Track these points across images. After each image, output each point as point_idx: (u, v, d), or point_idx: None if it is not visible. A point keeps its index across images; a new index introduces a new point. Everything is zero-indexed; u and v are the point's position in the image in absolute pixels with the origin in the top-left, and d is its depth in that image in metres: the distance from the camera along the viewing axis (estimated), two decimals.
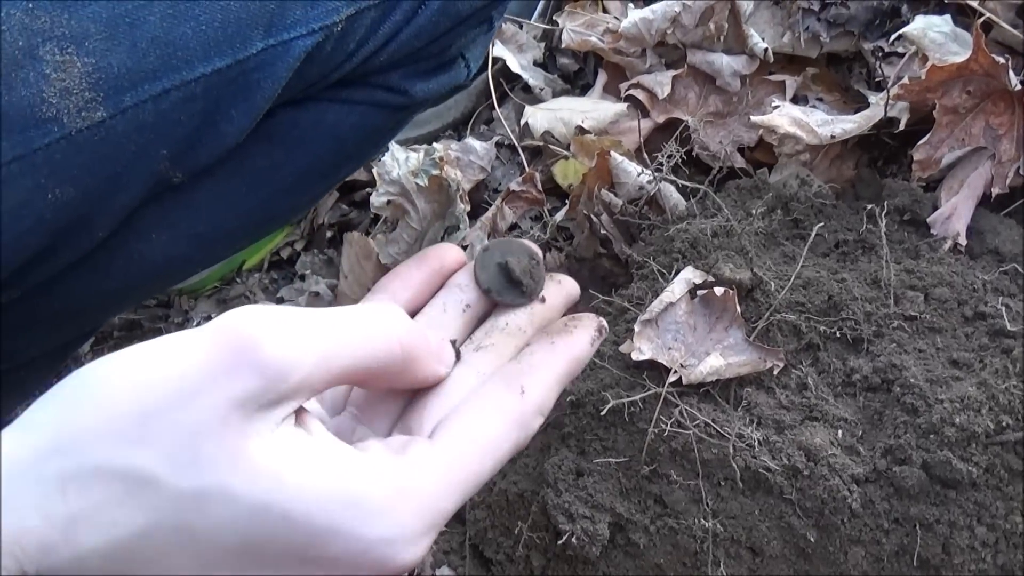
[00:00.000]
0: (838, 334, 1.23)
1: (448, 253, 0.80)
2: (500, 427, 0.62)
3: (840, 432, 1.18)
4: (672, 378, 1.19)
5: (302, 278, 1.55)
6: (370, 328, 0.56)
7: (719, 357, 1.20)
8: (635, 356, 1.20)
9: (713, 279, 1.25)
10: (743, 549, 1.18)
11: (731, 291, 1.22)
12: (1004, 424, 1.11)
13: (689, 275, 1.25)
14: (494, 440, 0.61)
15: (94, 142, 0.70)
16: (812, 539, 1.15)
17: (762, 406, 1.20)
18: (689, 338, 1.23)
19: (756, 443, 1.17)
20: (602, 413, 1.17)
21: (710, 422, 1.17)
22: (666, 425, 1.16)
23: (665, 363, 1.19)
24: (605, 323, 0.77)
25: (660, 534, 1.18)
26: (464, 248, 1.42)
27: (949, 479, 1.11)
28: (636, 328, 1.21)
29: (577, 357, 0.73)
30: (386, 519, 0.52)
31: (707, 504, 1.17)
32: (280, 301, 1.51)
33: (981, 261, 1.30)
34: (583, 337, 0.73)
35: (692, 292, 1.24)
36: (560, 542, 1.17)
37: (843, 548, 1.15)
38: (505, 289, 0.77)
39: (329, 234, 1.58)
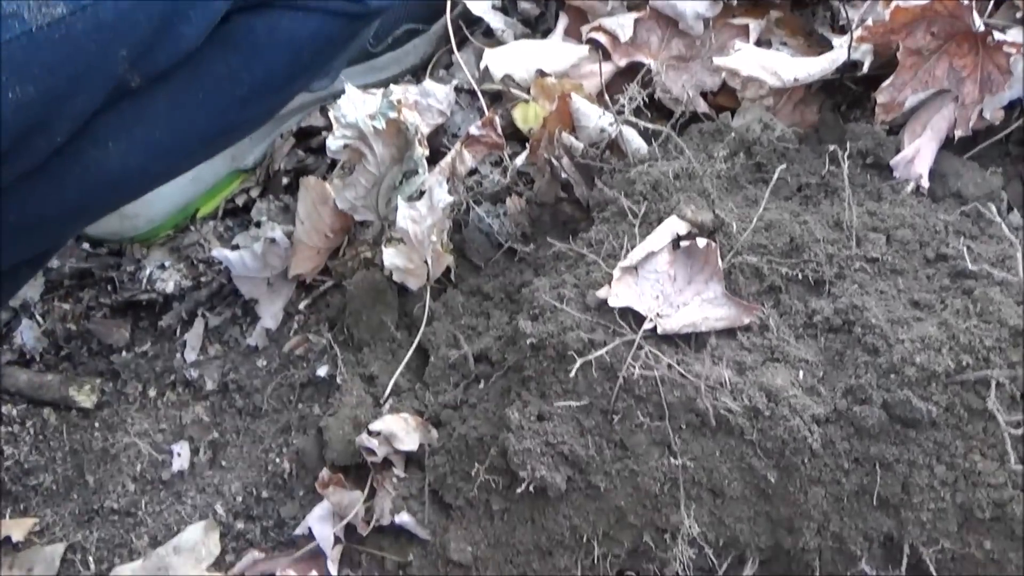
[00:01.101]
0: (800, 276, 1.22)
1: None
2: None
3: (801, 373, 1.17)
4: (647, 326, 1.17)
5: (258, 225, 1.52)
6: None
7: (696, 310, 1.19)
8: (612, 302, 1.17)
9: (697, 231, 1.23)
10: (704, 491, 1.18)
11: (714, 244, 1.20)
12: (964, 363, 1.11)
13: (674, 225, 1.23)
14: None
15: (54, 40, 0.70)
16: (772, 480, 1.14)
17: (724, 348, 1.19)
18: (668, 288, 1.21)
19: (719, 385, 1.16)
20: (571, 372, 1.15)
21: (675, 364, 1.16)
22: (634, 369, 1.15)
23: (642, 311, 1.18)
24: None
25: (621, 477, 1.17)
26: (422, 194, 1.38)
27: (909, 419, 1.11)
28: (615, 274, 1.19)
29: None
30: None
31: (674, 444, 1.16)
32: (235, 248, 1.47)
33: (943, 203, 1.29)
34: None
35: (675, 243, 1.22)
36: (520, 486, 1.16)
37: (803, 488, 1.15)
38: None
39: (285, 180, 1.55)
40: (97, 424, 1.40)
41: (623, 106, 1.37)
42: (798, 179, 1.34)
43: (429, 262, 1.37)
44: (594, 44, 1.59)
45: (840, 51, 1.42)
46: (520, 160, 1.48)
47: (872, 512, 1.15)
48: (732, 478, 1.16)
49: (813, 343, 1.20)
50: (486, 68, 1.57)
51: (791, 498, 1.16)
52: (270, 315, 1.46)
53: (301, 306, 1.47)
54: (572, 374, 1.16)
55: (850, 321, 1.18)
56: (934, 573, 1.15)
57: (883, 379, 1.14)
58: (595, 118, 1.41)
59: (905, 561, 1.15)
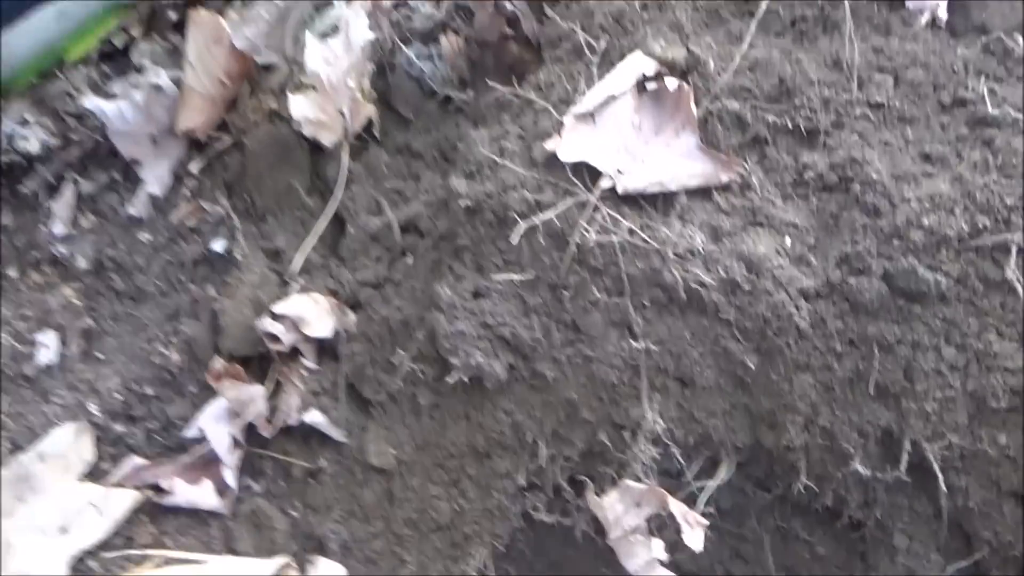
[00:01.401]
0: (790, 125, 1.10)
1: None
2: None
3: (788, 239, 1.06)
4: (605, 184, 1.05)
5: (139, 70, 1.39)
6: None
7: (665, 165, 1.08)
8: (564, 155, 1.06)
9: (668, 71, 1.10)
10: (671, 380, 1.07)
11: (687, 86, 1.08)
12: (981, 226, 1.01)
13: (639, 63, 1.10)
14: None
15: None
16: (752, 366, 1.05)
17: (697, 210, 1.07)
18: (631, 139, 1.09)
19: (689, 254, 1.04)
20: (514, 240, 1.03)
21: (637, 229, 1.03)
22: (589, 235, 1.02)
23: (599, 167, 1.06)
24: None
25: (572, 364, 1.07)
26: (337, 30, 1.24)
27: (914, 291, 1.02)
28: (567, 122, 1.07)
29: None
30: None
31: (636, 325, 1.04)
32: (112, 98, 1.33)
33: (963, 39, 1.17)
34: None
35: (640, 85, 1.10)
36: (452, 377, 1.06)
37: (788, 376, 1.05)
38: None
39: (173, 17, 1.41)
40: None
41: None
42: (792, 11, 1.21)
43: (346, 113, 1.26)
44: None
45: None
46: None
47: (868, 403, 1.05)
48: (704, 364, 1.06)
49: (803, 204, 1.08)
50: None
51: (774, 387, 1.06)
52: (155, 179, 1.35)
53: (193, 168, 1.37)
54: (514, 242, 1.04)
55: (847, 178, 1.07)
56: (939, 473, 1.05)
57: (884, 245, 1.03)
58: None
59: (905, 459, 1.05)
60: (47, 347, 1.25)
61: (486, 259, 1.07)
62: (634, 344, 1.05)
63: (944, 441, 1.04)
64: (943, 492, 1.07)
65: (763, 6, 1.16)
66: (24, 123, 1.35)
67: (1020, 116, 1.06)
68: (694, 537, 1.05)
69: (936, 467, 1.05)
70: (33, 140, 1.33)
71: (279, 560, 1.10)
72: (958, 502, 1.08)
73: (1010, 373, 1.01)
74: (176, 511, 1.14)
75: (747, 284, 1.03)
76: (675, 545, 1.11)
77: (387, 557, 1.16)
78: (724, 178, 1.07)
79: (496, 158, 1.08)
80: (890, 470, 1.07)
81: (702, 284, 1.03)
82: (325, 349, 1.18)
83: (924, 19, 1.16)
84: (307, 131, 1.28)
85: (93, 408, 1.21)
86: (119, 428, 1.20)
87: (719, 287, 1.03)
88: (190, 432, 1.18)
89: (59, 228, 1.31)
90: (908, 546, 1.13)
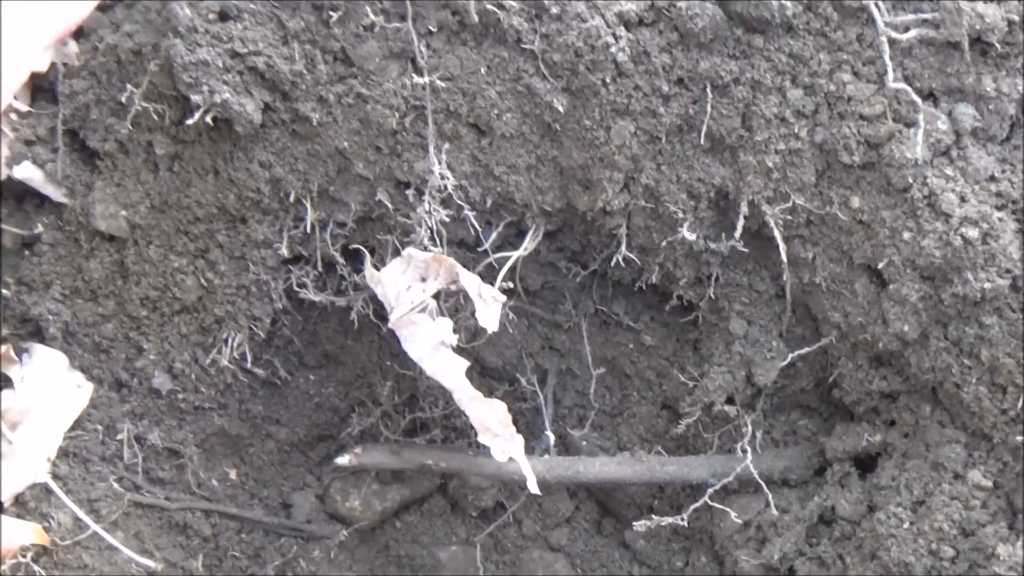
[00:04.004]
0: None
1: None
2: None
3: None
4: None
5: None
6: None
7: None
8: None
9: None
10: (464, 126, 1.13)
11: None
12: None
13: None
14: None
15: None
16: (561, 109, 1.11)
17: None
18: None
19: None
20: None
21: None
22: None
23: None
24: None
25: (343, 105, 1.12)
26: None
27: (755, 19, 1.08)
28: None
29: None
30: None
31: (420, 57, 1.10)
32: None
33: None
34: None
35: None
36: (193, 118, 1.09)
37: (604, 122, 1.12)
38: None
39: None
40: None
41: None
42: None
43: None
44: None
45: None
46: None
47: (699, 156, 1.14)
48: (503, 107, 1.12)
49: None
50: None
51: (587, 136, 1.12)
52: None
53: None
54: None
55: None
56: (781, 242, 1.15)
57: None
58: None
59: (741, 225, 1.15)
60: None
61: None
62: (418, 80, 1.10)
63: (787, 203, 1.13)
64: (785, 266, 1.17)
65: None
66: None
67: None
68: (489, 315, 1.12)
69: (778, 235, 1.14)
70: None
71: None
72: (803, 277, 1.18)
73: (866, 121, 1.09)
74: None
75: (556, 7, 1.08)
76: (474, 333, 1.21)
77: (120, 344, 1.23)
78: None
79: None
80: (725, 239, 1.17)
81: (501, 6, 1.08)
82: (40, 88, 1.20)
83: None
84: None
85: None
86: None
87: (522, 10, 1.08)
88: None
89: None
90: (746, 332, 1.24)
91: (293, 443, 1.34)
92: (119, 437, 1.23)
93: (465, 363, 1.13)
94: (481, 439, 1.15)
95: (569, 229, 1.22)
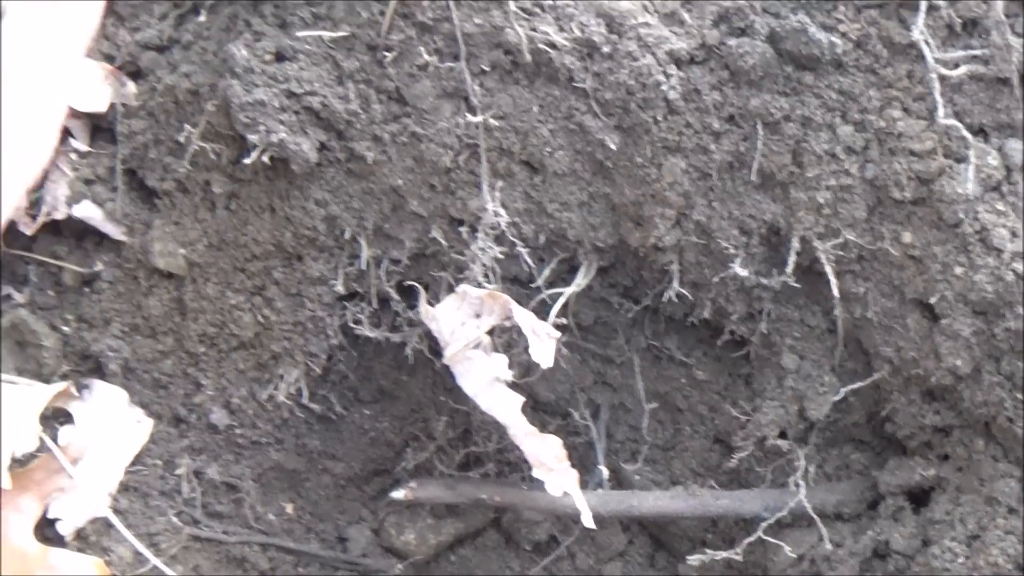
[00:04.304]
0: None
1: None
2: None
3: None
4: None
5: None
6: None
7: None
8: None
9: None
10: (517, 164, 1.17)
11: None
12: None
13: None
14: None
15: None
16: (613, 147, 1.14)
17: None
18: None
19: (537, 8, 1.12)
20: None
21: None
22: None
23: None
24: None
25: (397, 143, 1.15)
26: None
27: (805, 56, 1.10)
28: None
29: None
30: None
31: (474, 96, 1.13)
32: None
33: None
34: None
35: None
36: (250, 157, 1.14)
37: (656, 159, 1.14)
38: None
39: None
40: None
41: None
42: None
43: None
44: None
45: None
46: None
47: (751, 193, 1.16)
48: (556, 145, 1.15)
49: None
50: None
51: (638, 173, 1.15)
52: None
53: None
54: None
55: None
56: (831, 276, 1.17)
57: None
58: None
59: (793, 261, 1.17)
60: None
61: (290, 12, 1.14)
62: (471, 119, 1.13)
63: (838, 239, 1.15)
64: (837, 301, 1.18)
65: None
66: None
67: None
68: (543, 351, 1.15)
69: (829, 270, 1.16)
70: None
71: (56, 386, 1.19)
72: (855, 312, 1.19)
73: (917, 157, 1.11)
74: None
75: (607, 46, 1.11)
76: (527, 368, 1.24)
77: (179, 380, 1.27)
78: None
79: None
80: (776, 274, 1.19)
81: (552, 45, 1.11)
82: (100, 128, 1.25)
83: None
84: None
85: None
86: None
87: (573, 49, 1.12)
88: None
89: None
90: (798, 366, 1.25)
91: (348, 477, 1.37)
92: (178, 472, 1.26)
93: (520, 398, 1.16)
94: (535, 473, 1.18)
95: (621, 265, 1.25)
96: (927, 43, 1.10)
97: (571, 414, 1.35)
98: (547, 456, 1.18)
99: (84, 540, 1.19)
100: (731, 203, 1.17)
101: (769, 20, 1.12)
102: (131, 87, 1.24)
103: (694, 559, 1.27)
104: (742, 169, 1.16)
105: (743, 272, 1.19)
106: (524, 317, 1.17)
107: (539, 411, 1.36)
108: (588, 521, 1.20)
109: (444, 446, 1.36)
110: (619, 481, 1.37)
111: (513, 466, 1.35)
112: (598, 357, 1.35)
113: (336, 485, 1.38)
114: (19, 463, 1.17)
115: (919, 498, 1.23)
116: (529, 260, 1.20)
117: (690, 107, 1.14)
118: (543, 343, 1.17)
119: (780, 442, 1.28)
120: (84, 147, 1.25)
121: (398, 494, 1.29)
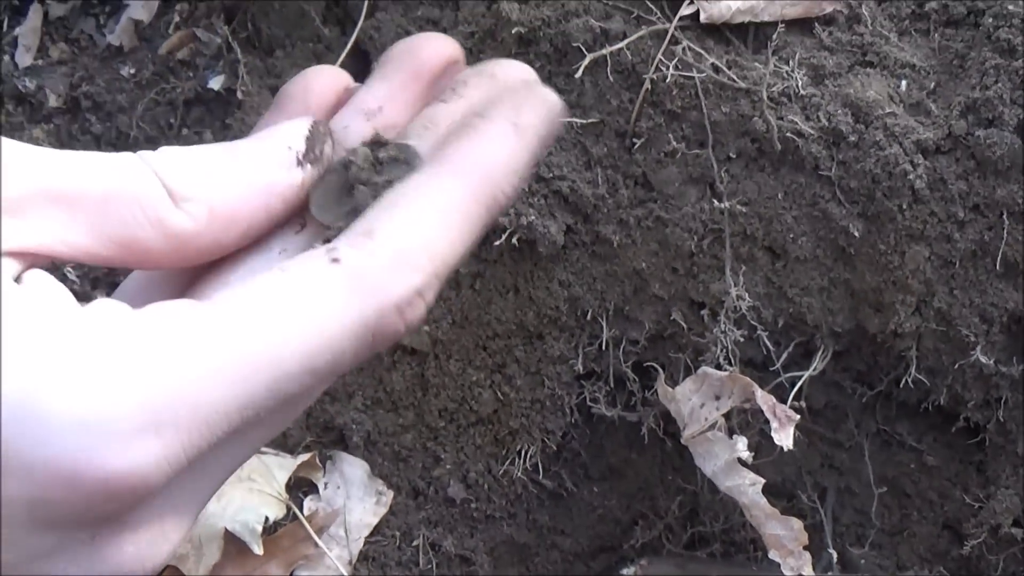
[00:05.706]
0: None
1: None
2: (307, 282, 0.52)
3: (904, 83, 1.18)
4: (686, 11, 1.17)
5: None
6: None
7: None
8: None
9: None
10: (759, 249, 1.21)
11: None
12: None
13: None
14: (297, 299, 0.52)
15: None
16: (857, 234, 1.17)
17: (795, 46, 1.20)
18: None
19: (785, 97, 1.17)
20: (577, 72, 1.16)
21: (723, 67, 1.17)
22: (666, 71, 1.15)
23: None
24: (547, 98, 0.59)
25: (642, 227, 1.20)
26: None
27: None
28: None
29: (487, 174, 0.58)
30: (79, 399, 0.47)
31: (719, 182, 1.18)
32: None
33: None
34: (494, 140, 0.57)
35: None
36: (498, 239, 1.19)
37: (899, 247, 1.17)
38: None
39: None
40: None
41: None
42: None
43: None
44: None
45: None
46: None
47: (994, 281, 1.19)
48: (799, 231, 1.19)
49: (923, 41, 1.21)
50: None
51: (882, 260, 1.18)
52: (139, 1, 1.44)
53: None
54: (577, 77, 1.16)
55: (977, 10, 1.19)
56: None
57: (1019, 91, 1.14)
58: None
59: None
60: None
61: None
62: (716, 205, 1.18)
63: None
64: None
65: None
66: None
67: None
68: (784, 433, 1.19)
69: None
70: None
71: (302, 457, 1.27)
72: None
73: None
74: None
75: (853, 135, 1.15)
76: (756, 449, 1.27)
77: (419, 453, 1.32)
78: (828, 7, 1.19)
79: None
80: (1016, 363, 1.20)
81: (799, 134, 1.15)
82: None
83: None
84: None
85: None
86: None
87: (820, 138, 1.15)
88: None
89: (24, 58, 1.43)
90: None
91: (576, 553, 1.42)
92: (415, 543, 1.32)
93: (761, 480, 1.20)
94: (772, 555, 1.22)
95: (856, 350, 1.28)
96: None
97: (797, 496, 1.37)
98: (788, 538, 1.21)
99: None
100: (973, 291, 1.20)
101: (1018, 111, 1.15)
102: None
103: None
104: (985, 258, 1.19)
105: (984, 360, 1.21)
106: (765, 400, 1.20)
107: (765, 493, 1.38)
108: None
109: (672, 524, 1.39)
110: (844, 564, 1.39)
111: (739, 546, 1.38)
112: (826, 440, 1.38)
113: (564, 560, 1.42)
114: (268, 531, 1.23)
115: None
116: (768, 344, 1.24)
117: (935, 196, 1.17)
118: (784, 426, 1.19)
119: (1015, 530, 1.28)
120: None
121: (628, 571, 1.33)
